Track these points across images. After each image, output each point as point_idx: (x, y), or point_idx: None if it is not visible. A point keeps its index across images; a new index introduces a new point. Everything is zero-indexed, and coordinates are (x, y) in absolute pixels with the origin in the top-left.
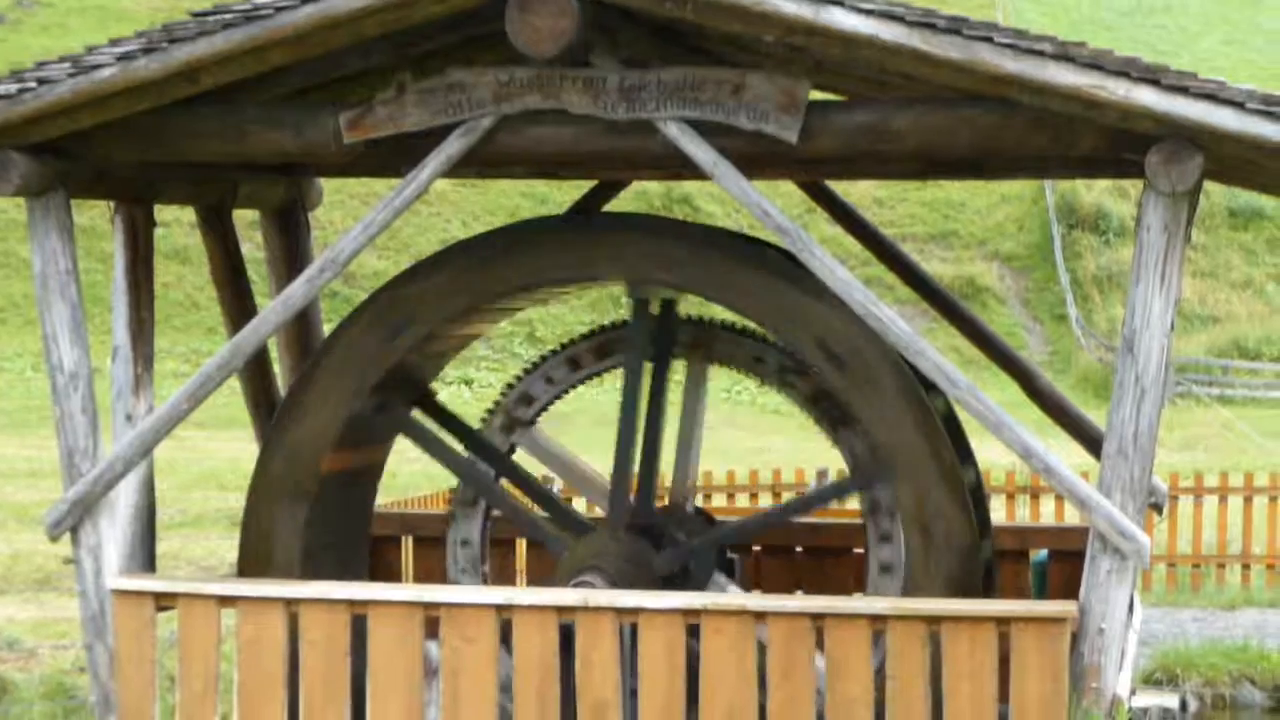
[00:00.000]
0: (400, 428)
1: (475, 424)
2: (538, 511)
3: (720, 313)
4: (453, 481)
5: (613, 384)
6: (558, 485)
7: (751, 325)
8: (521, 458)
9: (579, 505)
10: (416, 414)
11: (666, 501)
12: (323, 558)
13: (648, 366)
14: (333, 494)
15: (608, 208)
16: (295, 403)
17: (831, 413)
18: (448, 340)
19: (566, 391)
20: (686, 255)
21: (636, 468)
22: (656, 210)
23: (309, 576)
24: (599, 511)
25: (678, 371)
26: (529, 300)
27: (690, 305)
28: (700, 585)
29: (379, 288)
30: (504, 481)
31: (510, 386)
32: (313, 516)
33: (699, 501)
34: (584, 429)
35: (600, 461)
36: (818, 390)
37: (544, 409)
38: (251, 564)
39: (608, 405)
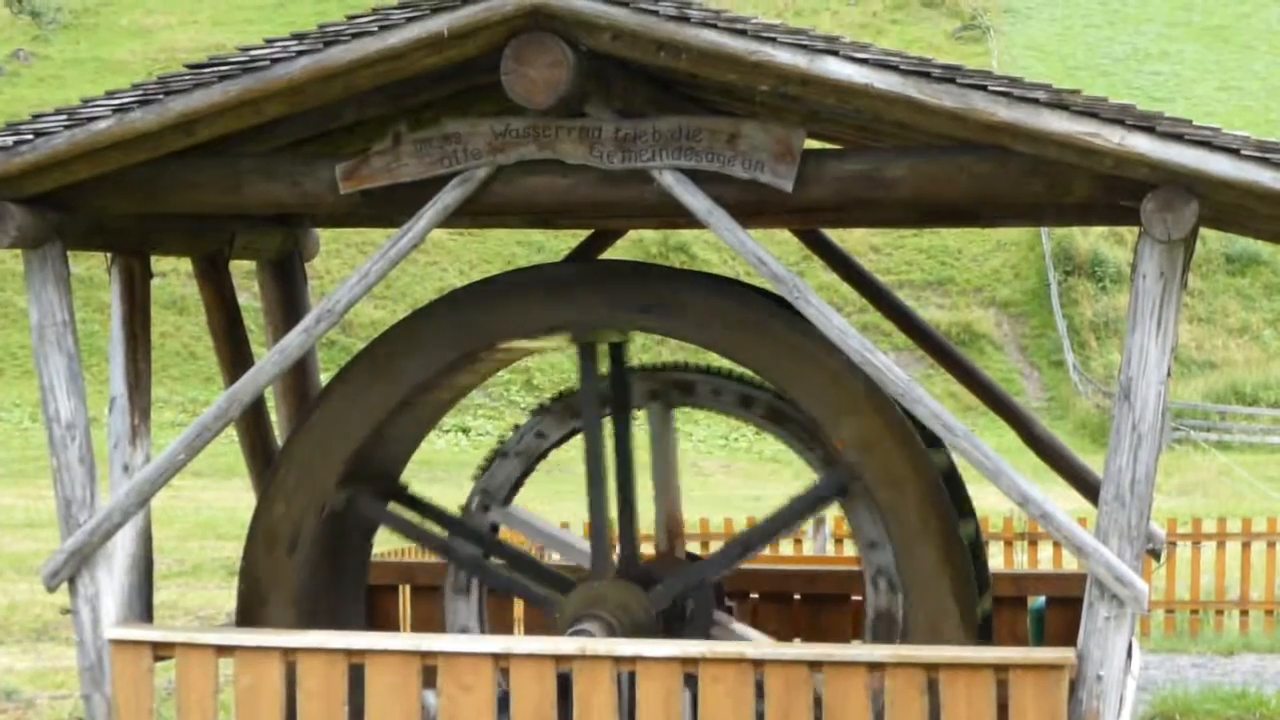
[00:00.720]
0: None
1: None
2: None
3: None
4: None
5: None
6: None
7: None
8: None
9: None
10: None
11: (655, 551)
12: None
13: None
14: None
15: (603, 256)
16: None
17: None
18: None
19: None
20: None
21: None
22: (653, 258)
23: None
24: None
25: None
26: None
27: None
28: (702, 628)
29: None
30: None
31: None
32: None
33: (696, 549)
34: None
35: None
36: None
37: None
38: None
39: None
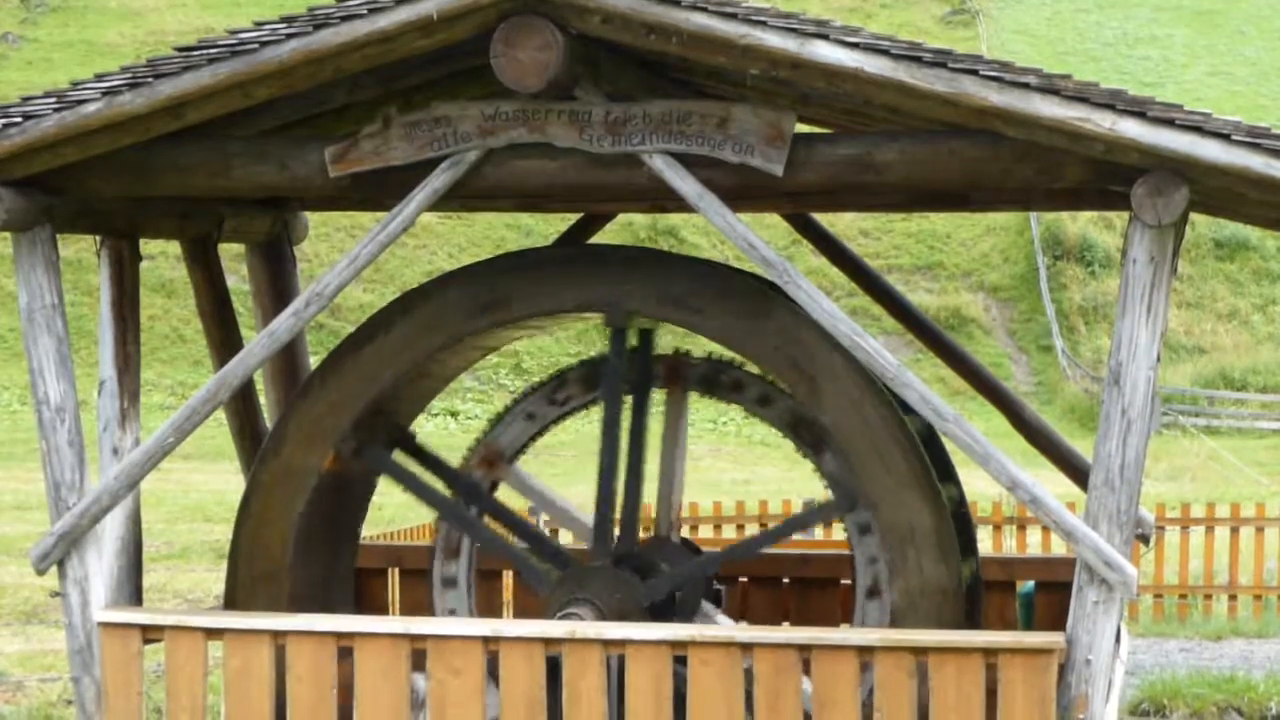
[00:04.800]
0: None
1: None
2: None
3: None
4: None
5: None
6: (543, 520)
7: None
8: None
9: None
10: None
11: (651, 533)
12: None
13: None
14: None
15: (594, 239)
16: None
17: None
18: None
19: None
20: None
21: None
22: (642, 242)
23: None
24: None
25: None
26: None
27: (668, 338)
28: (688, 616)
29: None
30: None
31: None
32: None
33: (685, 533)
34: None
35: (588, 492)
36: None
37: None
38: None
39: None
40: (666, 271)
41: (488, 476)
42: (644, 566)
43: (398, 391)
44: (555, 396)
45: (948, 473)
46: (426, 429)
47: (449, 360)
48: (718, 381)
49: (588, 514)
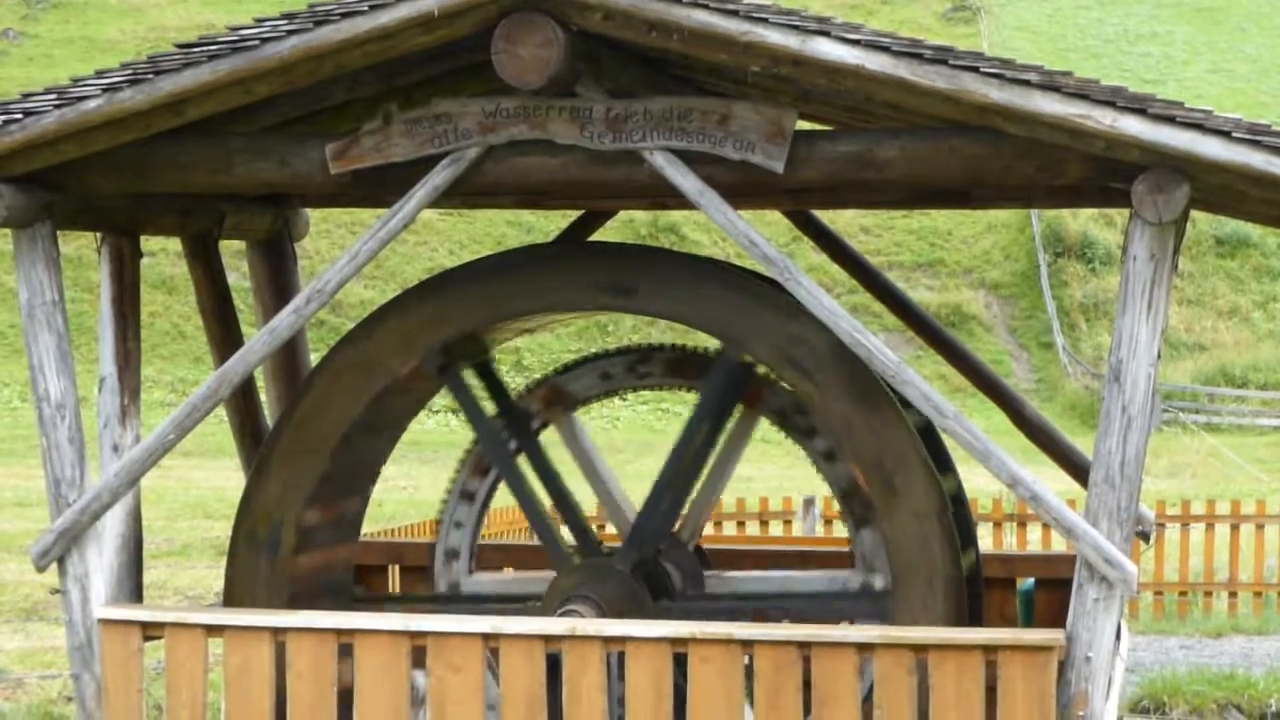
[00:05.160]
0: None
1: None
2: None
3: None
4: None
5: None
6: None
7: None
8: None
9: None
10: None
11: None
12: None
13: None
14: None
15: (594, 236)
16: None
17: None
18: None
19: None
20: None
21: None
22: (643, 239)
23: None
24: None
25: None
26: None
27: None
28: (696, 586)
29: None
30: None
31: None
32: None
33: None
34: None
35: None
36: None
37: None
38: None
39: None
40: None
41: (542, 414)
42: (657, 577)
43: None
44: (637, 368)
45: (946, 465)
46: (428, 425)
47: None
48: (791, 421)
49: (626, 501)
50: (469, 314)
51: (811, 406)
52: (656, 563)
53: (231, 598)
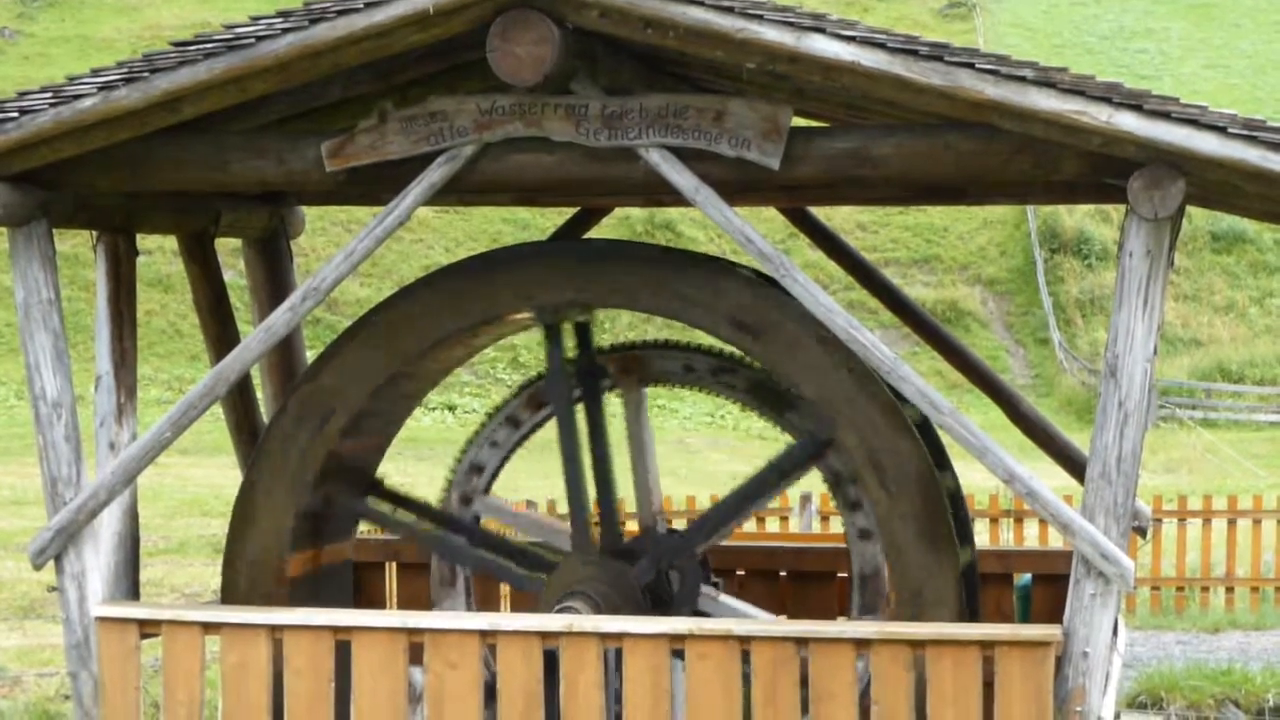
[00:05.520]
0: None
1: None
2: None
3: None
4: None
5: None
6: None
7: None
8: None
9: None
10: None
11: (637, 529)
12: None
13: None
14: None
15: (590, 234)
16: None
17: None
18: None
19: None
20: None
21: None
22: (639, 236)
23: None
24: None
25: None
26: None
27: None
28: (689, 601)
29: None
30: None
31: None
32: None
33: (679, 524)
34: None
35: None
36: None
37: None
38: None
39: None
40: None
41: (616, 377)
42: (632, 556)
43: None
44: (721, 375)
45: (943, 463)
46: (424, 423)
47: None
48: (842, 489)
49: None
50: (591, 291)
51: (876, 512)
52: (618, 537)
53: (262, 466)
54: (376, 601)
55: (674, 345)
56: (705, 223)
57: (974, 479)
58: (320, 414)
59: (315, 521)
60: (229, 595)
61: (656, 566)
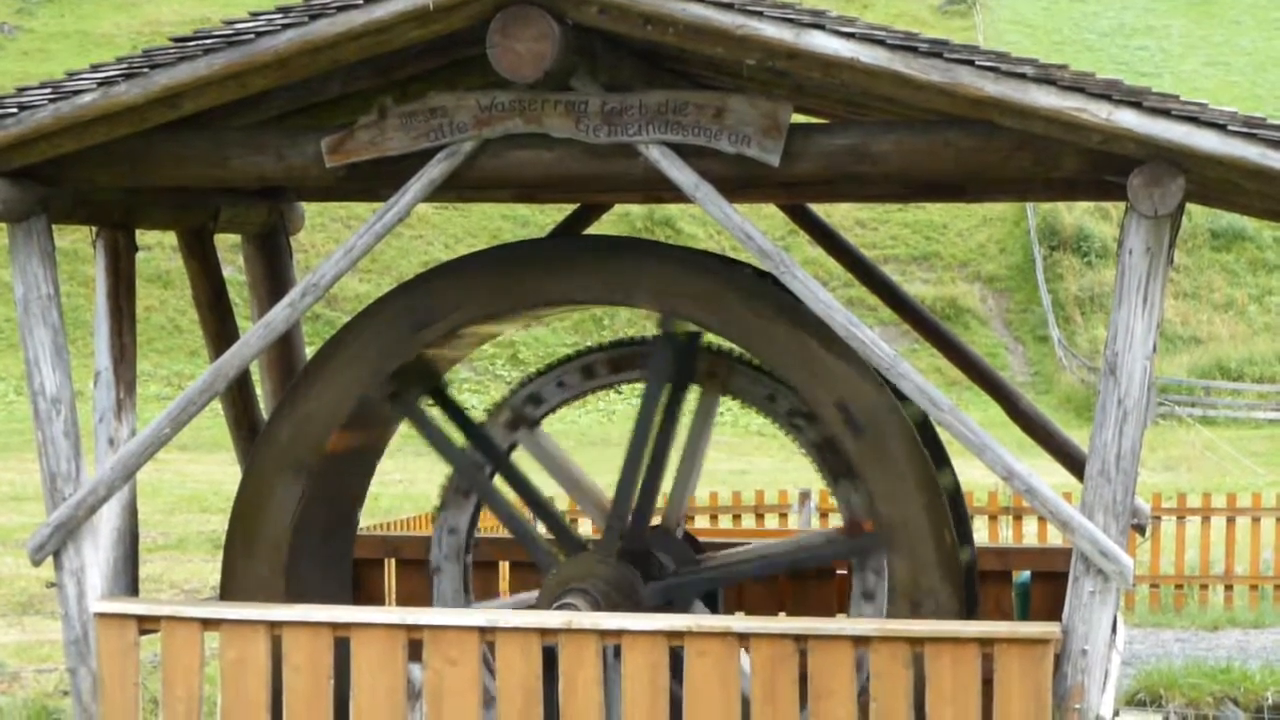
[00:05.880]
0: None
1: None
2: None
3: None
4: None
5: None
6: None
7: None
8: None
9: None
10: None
11: (658, 522)
12: (311, 536)
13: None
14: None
15: (589, 230)
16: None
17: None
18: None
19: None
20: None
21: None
22: (639, 232)
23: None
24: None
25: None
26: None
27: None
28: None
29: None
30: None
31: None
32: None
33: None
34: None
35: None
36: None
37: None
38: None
39: (589, 426)
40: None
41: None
42: (648, 563)
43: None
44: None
45: (942, 461)
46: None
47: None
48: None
49: (603, 495)
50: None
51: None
52: (647, 551)
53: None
54: (376, 598)
55: (767, 373)
56: (705, 219)
57: (973, 476)
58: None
59: (369, 408)
60: (263, 449)
61: (614, 536)
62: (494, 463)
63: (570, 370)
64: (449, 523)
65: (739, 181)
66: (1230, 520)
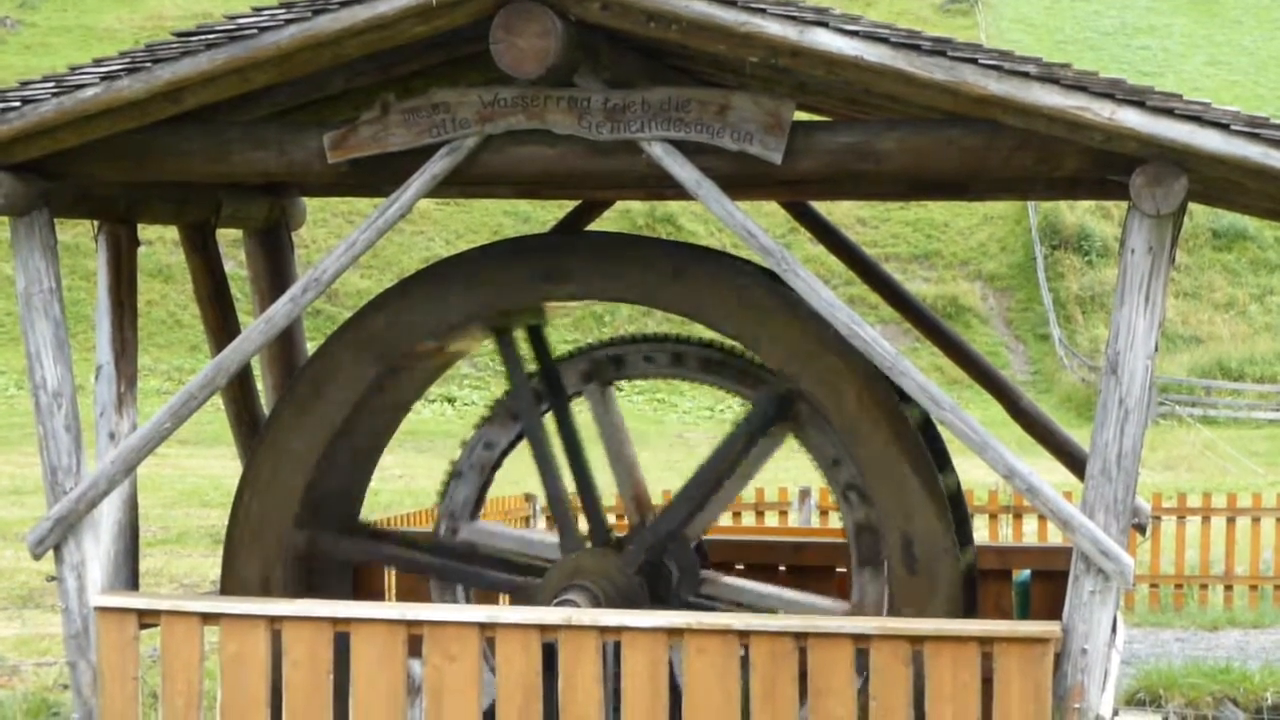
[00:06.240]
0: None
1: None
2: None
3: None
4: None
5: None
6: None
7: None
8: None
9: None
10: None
11: (627, 523)
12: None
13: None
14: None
15: (590, 227)
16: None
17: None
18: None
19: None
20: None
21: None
22: (640, 230)
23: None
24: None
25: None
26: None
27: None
28: (691, 587)
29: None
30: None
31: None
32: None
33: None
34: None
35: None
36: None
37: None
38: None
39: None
40: None
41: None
42: (657, 578)
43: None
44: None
45: (943, 461)
46: (424, 415)
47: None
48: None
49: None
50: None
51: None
52: (661, 562)
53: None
54: (375, 593)
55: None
56: (706, 217)
57: (974, 475)
58: None
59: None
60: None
61: (646, 553)
62: (555, 400)
63: (661, 350)
64: (488, 436)
65: (741, 179)
66: (1230, 520)
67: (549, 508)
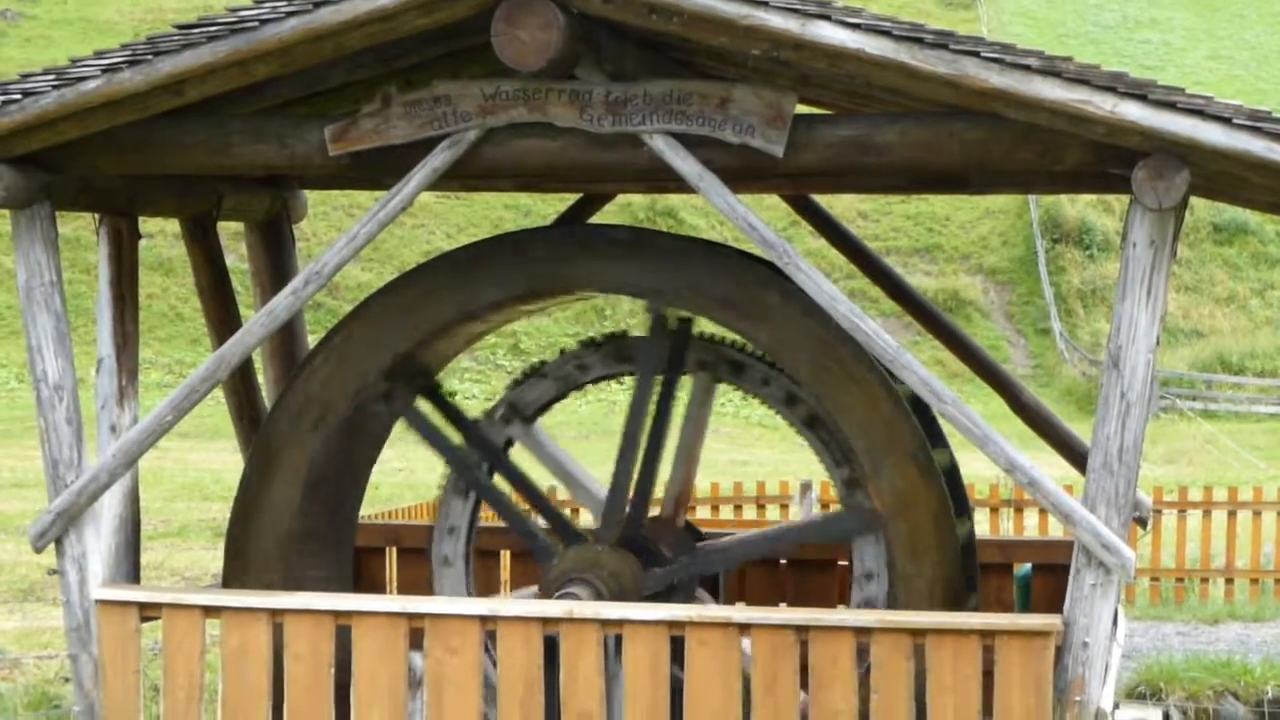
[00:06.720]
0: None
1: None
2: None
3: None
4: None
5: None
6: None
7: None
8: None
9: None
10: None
11: (658, 513)
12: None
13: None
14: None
15: (593, 219)
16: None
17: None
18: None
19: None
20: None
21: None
22: (641, 223)
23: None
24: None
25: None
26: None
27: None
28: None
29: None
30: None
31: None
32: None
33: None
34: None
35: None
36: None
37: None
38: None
39: (590, 416)
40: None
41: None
42: (647, 551)
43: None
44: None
45: (938, 439)
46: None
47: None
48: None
49: (600, 487)
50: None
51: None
52: (645, 539)
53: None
54: (377, 586)
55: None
56: (707, 210)
57: (975, 468)
58: None
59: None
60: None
61: (670, 581)
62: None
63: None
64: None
65: (743, 172)
66: (1231, 514)
67: (612, 481)
